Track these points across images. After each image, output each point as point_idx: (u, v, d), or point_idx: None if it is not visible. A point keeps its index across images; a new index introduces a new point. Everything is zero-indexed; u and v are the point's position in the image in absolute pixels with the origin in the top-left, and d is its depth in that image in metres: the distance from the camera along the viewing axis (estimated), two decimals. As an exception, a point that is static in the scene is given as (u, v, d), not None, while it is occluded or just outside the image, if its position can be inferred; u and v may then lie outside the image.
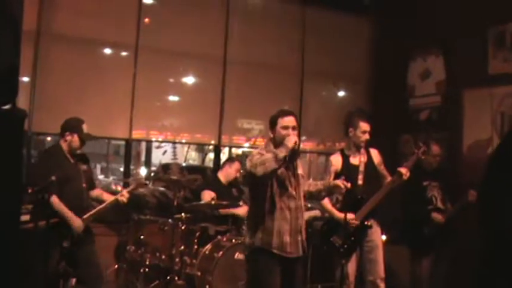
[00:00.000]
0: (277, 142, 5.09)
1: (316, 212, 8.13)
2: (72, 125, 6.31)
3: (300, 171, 5.29)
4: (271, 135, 5.20)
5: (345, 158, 6.48)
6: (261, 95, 9.39)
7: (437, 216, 7.04)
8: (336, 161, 6.45)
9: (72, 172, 6.19)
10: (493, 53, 8.08)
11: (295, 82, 9.66)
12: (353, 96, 10.30)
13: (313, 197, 5.80)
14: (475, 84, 8.17)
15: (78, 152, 6.46)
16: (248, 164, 5.01)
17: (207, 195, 7.52)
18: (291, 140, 4.92)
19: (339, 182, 5.36)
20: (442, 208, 7.12)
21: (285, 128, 5.08)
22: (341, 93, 10.48)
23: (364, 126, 6.38)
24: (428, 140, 7.56)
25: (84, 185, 6.38)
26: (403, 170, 6.21)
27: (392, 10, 9.73)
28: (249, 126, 9.44)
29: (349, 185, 5.37)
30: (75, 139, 6.26)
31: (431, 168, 7.22)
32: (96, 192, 6.64)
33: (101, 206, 6.37)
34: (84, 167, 6.51)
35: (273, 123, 5.20)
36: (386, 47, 9.83)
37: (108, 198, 6.54)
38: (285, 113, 5.23)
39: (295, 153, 5.05)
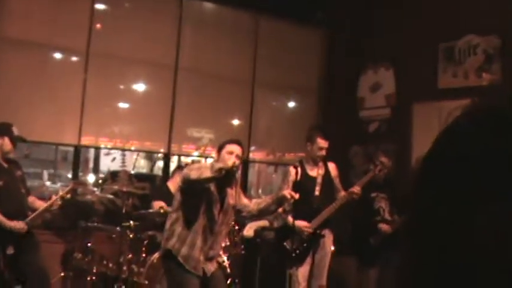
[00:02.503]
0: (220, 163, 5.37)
1: (265, 222, 8.17)
2: (2, 129, 6.26)
3: (231, 200, 5.54)
4: (216, 158, 5.51)
5: (304, 169, 6.73)
6: (212, 104, 9.42)
7: (383, 227, 7.16)
8: (295, 171, 6.59)
9: (8, 178, 6.12)
10: (443, 68, 8.28)
11: (247, 92, 9.70)
12: (304, 107, 10.39)
13: (265, 212, 6.07)
14: (424, 98, 8.36)
15: (10, 156, 6.38)
16: (185, 169, 5.39)
17: (157, 204, 7.38)
18: (231, 159, 5.21)
19: (286, 193, 5.68)
20: (390, 219, 7.22)
21: (230, 153, 5.34)
22: (292, 104, 10.59)
23: (322, 143, 6.70)
24: (377, 151, 7.68)
25: (23, 190, 6.36)
26: (355, 190, 6.65)
27: (343, 23, 9.89)
28: (199, 135, 9.43)
29: (296, 195, 5.64)
30: (6, 142, 6.20)
31: (380, 180, 7.31)
32: (29, 200, 6.56)
33: (37, 211, 6.32)
34: (18, 172, 6.45)
35: (220, 148, 5.50)
36: (337, 59, 9.98)
37: (40, 205, 6.46)
38: (233, 141, 5.55)
39: (230, 176, 5.28)
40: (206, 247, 5.37)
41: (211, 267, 5.50)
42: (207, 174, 5.02)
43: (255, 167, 13.31)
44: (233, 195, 5.55)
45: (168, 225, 5.45)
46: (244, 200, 5.78)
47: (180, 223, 5.35)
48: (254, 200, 5.96)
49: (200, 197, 5.31)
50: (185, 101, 9.21)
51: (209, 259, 5.46)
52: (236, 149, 5.38)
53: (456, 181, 0.67)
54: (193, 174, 5.07)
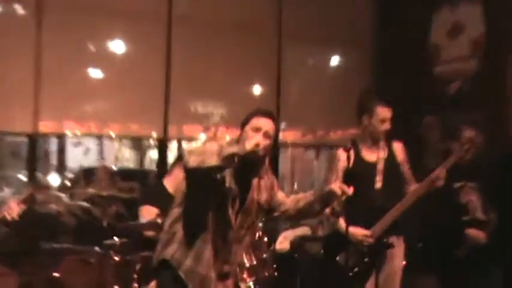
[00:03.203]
0: (240, 143, 5.12)
1: (305, 230, 8.20)
2: None
3: (256, 195, 5.33)
4: (239, 136, 5.28)
5: (358, 153, 6.61)
6: (223, 67, 9.45)
7: (474, 233, 7.14)
8: (346, 156, 6.35)
9: None
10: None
11: (270, 48, 9.74)
12: (353, 64, 10.41)
13: (305, 214, 5.79)
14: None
15: None
16: (185, 153, 5.12)
17: (147, 213, 7.32)
18: (253, 140, 4.94)
19: (335, 187, 5.30)
20: (483, 220, 7.20)
21: (256, 129, 5.13)
22: (336, 61, 10.57)
23: (383, 112, 6.50)
24: (460, 123, 7.65)
25: None
26: (440, 174, 6.34)
27: None
28: (206, 110, 9.46)
29: (350, 190, 5.29)
30: None
31: (467, 164, 7.21)
32: None
33: None
34: None
35: (244, 121, 5.28)
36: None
37: None
38: (262, 113, 5.28)
39: (251, 163, 5.08)
40: (219, 260, 5.23)
41: None
42: (212, 161, 4.76)
43: (288, 152, 13.27)
44: (261, 188, 5.37)
45: (167, 225, 5.34)
46: (280, 195, 5.56)
47: (184, 227, 5.24)
48: (291, 197, 5.66)
49: (208, 191, 5.10)
50: (184, 65, 9.25)
51: (222, 277, 5.31)
52: (266, 123, 5.15)
53: None
54: (193, 161, 4.85)
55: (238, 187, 5.18)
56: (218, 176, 5.01)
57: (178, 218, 5.27)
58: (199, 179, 5.05)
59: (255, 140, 4.91)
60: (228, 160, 4.73)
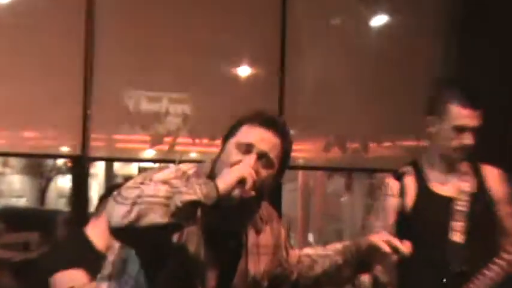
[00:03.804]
0: (217, 172, 4.53)
1: None
2: None
3: (259, 264, 4.85)
4: (218, 154, 4.71)
5: (421, 181, 6.36)
6: (183, 36, 9.61)
7: None
8: (398, 187, 6.27)
9: None
10: None
11: (266, 3, 9.63)
12: (412, 31, 10.34)
13: (328, 284, 5.44)
14: None
15: None
16: (110, 199, 4.34)
17: (71, 281, 6.75)
18: (232, 174, 4.29)
19: (379, 240, 4.93)
20: None
21: (245, 148, 4.53)
22: (379, 24, 10.51)
23: (462, 115, 6.23)
24: None
25: None
26: None
27: None
28: (156, 107, 9.33)
29: (407, 246, 4.87)
30: None
31: None
32: None
33: None
34: None
35: (230, 132, 4.69)
36: None
37: None
38: (259, 119, 4.68)
39: (233, 211, 4.39)
40: None
41: None
42: (154, 217, 4.06)
43: (298, 180, 13.18)
44: (259, 250, 4.87)
45: None
46: (293, 256, 5.17)
47: None
48: (306, 252, 5.29)
49: (156, 262, 4.55)
50: (116, 32, 9.55)
51: None
52: (263, 138, 4.53)
53: None
54: (118, 217, 4.12)
55: (215, 253, 4.60)
56: (172, 237, 4.38)
57: None
58: (138, 242, 4.43)
59: (235, 172, 4.27)
60: (183, 214, 4.06)
